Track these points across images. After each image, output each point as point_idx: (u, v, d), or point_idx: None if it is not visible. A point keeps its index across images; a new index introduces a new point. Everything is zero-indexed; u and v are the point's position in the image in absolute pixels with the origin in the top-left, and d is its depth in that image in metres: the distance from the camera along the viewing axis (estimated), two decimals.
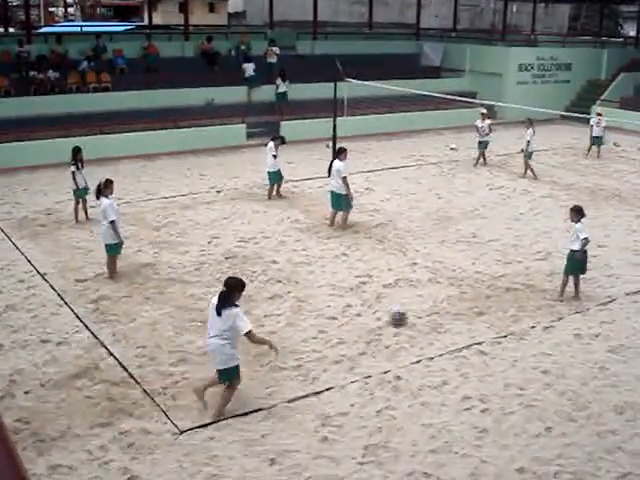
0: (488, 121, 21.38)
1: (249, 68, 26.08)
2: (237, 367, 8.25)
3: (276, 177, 17.19)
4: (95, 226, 14.37)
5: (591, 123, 22.86)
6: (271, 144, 16.92)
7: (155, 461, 7.49)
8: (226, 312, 7.93)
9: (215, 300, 8.10)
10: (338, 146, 15.36)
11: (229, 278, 8.37)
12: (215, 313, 8.03)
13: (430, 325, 10.72)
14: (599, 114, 23.28)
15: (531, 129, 19.94)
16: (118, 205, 12.50)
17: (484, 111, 21.61)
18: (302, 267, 12.96)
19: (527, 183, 19.48)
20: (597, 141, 23.17)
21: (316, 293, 11.80)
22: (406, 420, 8.31)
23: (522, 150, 20.48)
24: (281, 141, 17.38)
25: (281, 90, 25.41)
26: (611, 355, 9.96)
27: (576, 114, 22.56)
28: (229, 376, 8.25)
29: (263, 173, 17.99)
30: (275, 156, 16.82)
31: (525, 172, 20.18)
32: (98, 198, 12.14)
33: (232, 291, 8.05)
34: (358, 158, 21.03)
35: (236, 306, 7.99)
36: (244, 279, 12.06)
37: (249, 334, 8.06)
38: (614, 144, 25.09)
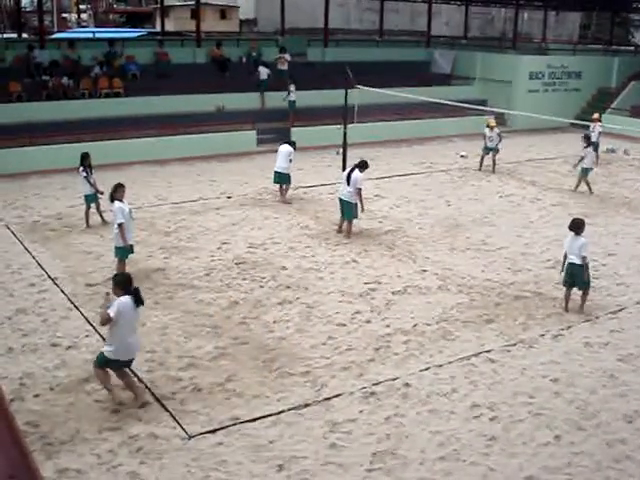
0: (496, 130, 21.34)
1: (263, 72, 26.26)
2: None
3: (287, 179, 17.41)
4: (106, 231, 14.46)
5: (591, 129, 22.53)
6: (290, 148, 17.33)
7: (163, 466, 7.52)
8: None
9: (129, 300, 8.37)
10: (360, 159, 15.35)
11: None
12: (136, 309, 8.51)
13: (439, 332, 10.71)
14: (596, 120, 22.86)
15: (589, 148, 19.23)
16: (130, 210, 12.52)
17: (492, 121, 21.55)
18: (311, 273, 12.98)
19: (537, 191, 19.44)
20: (593, 147, 22.95)
21: (325, 299, 11.82)
22: (414, 427, 8.31)
23: (575, 166, 19.52)
24: (294, 147, 17.56)
25: (292, 98, 25.52)
26: (620, 364, 9.93)
27: (587, 122, 22.50)
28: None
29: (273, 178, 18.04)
30: (291, 160, 17.26)
31: (576, 187, 19.40)
32: (112, 202, 12.23)
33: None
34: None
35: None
36: (254, 285, 12.25)
37: None
38: (624, 152, 25.03)
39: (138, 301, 8.43)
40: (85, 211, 15.35)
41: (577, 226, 11.36)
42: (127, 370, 8.76)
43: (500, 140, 21.35)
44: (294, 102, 25.48)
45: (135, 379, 8.87)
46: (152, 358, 9.75)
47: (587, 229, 11.64)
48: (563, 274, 11.62)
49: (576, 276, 11.42)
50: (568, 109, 29.54)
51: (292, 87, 25.23)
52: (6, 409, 5.26)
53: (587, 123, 22.34)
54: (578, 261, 11.30)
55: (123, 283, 8.49)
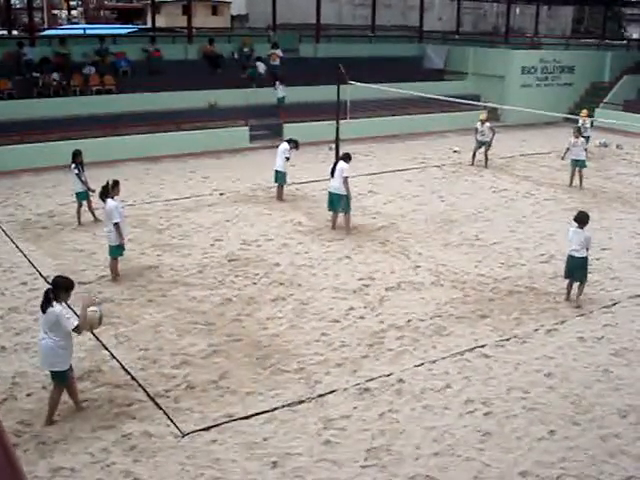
0: (488, 124, 21.32)
1: (261, 67, 26.29)
2: (67, 371, 8.14)
3: (283, 178, 17.29)
4: (98, 229, 14.40)
5: (579, 124, 22.36)
6: (286, 145, 17.22)
7: (157, 464, 7.49)
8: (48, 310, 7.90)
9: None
10: (343, 152, 15.38)
11: (56, 277, 8.37)
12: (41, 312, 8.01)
13: (433, 328, 10.70)
14: (586, 115, 22.56)
15: (575, 138, 19.19)
16: (122, 208, 12.48)
17: (483, 115, 21.55)
18: (305, 270, 12.95)
19: (530, 186, 19.45)
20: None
21: (319, 296, 11.79)
22: (409, 423, 8.30)
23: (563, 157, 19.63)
24: (295, 145, 17.42)
25: (280, 95, 25.52)
26: (614, 358, 9.94)
27: (579, 117, 22.47)
28: (59, 379, 8.15)
29: (266, 175, 18.00)
30: (288, 158, 17.13)
31: (571, 182, 19.38)
32: (103, 200, 12.12)
33: (57, 290, 8.04)
34: (361, 161, 21.02)
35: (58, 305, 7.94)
36: (247, 282, 12.21)
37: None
38: (617, 146, 25.06)
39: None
40: (77, 209, 15.28)
41: (581, 219, 11.38)
42: (57, 388, 8.23)
43: (493, 134, 21.31)
44: (283, 98, 25.47)
45: (54, 401, 8.23)
46: (145, 356, 9.71)
47: None
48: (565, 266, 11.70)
49: (576, 268, 11.45)
50: (561, 104, 29.60)
51: (278, 83, 25.27)
52: None
53: (580, 118, 22.29)
54: (578, 254, 11.34)
55: (53, 283, 8.20)
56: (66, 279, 8.25)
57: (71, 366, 8.21)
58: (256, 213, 16.35)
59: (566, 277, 11.72)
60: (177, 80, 24.61)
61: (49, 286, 8.21)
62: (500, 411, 8.57)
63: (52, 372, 8.12)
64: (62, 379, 8.14)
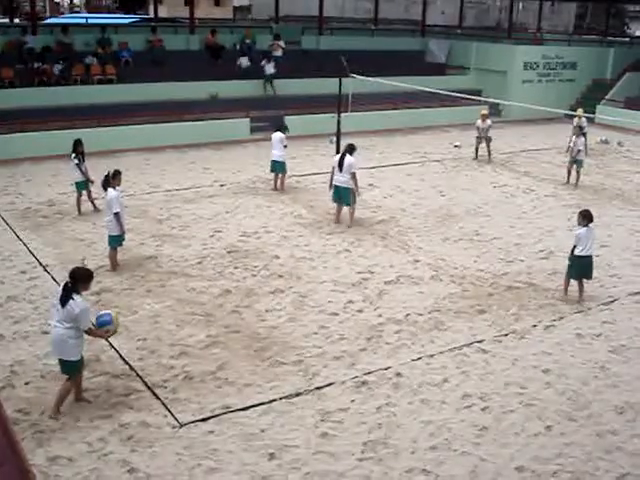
0: (489, 122, 21.30)
1: (244, 61, 26.27)
2: (78, 362, 8.10)
3: (282, 167, 17.27)
4: (98, 218, 14.39)
5: (574, 124, 22.23)
6: (281, 135, 17.21)
7: (154, 454, 7.50)
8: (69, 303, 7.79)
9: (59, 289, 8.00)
10: (348, 143, 15.25)
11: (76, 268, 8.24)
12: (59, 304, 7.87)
13: (431, 322, 10.71)
14: (580, 115, 22.03)
15: (576, 137, 19.21)
16: (122, 197, 12.47)
17: (485, 112, 21.51)
18: (304, 262, 12.95)
19: (531, 182, 19.44)
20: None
21: (318, 288, 11.80)
22: (406, 417, 8.31)
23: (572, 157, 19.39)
24: (285, 130, 17.45)
25: (270, 72, 25.52)
26: (612, 355, 9.96)
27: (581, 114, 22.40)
28: (69, 369, 8.10)
29: (267, 167, 17.98)
30: (285, 146, 17.12)
31: (568, 179, 19.35)
32: (105, 189, 12.12)
33: (77, 283, 7.93)
34: (362, 154, 20.96)
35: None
36: (246, 273, 12.21)
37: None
38: (618, 143, 25.04)
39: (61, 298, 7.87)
40: (76, 198, 15.26)
41: (590, 217, 11.42)
42: (68, 380, 8.20)
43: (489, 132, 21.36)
44: (271, 75, 25.48)
45: (60, 395, 8.18)
46: (143, 346, 9.72)
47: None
48: (575, 267, 11.59)
49: (590, 267, 11.50)
50: (563, 100, 29.50)
51: (264, 61, 25.36)
52: None
53: (576, 116, 22.21)
54: (593, 253, 11.45)
55: (71, 275, 8.03)
56: (86, 270, 8.23)
57: (82, 357, 8.19)
58: (256, 205, 16.34)
59: (577, 278, 11.66)
60: (179, 71, 24.60)
61: (67, 279, 8.03)
62: (497, 406, 8.58)
63: (63, 362, 8.04)
64: (73, 369, 8.11)
